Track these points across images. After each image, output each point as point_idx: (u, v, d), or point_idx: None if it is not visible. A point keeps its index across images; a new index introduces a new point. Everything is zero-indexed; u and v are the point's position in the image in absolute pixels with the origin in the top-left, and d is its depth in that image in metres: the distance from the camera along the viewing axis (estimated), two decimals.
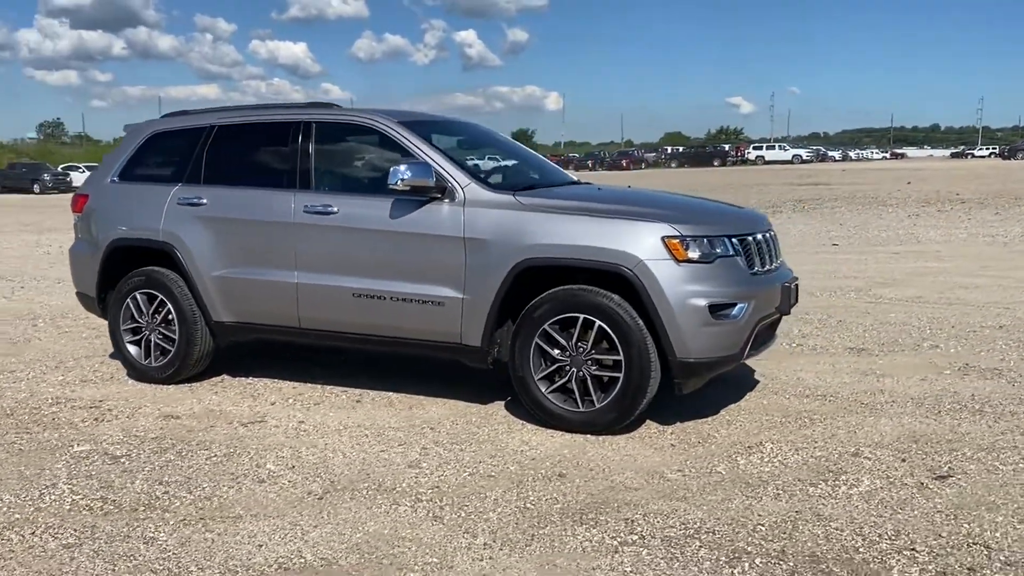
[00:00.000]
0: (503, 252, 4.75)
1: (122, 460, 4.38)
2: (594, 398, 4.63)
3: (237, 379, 5.96)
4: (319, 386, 5.73)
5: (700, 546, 3.32)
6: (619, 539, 3.39)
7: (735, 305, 4.56)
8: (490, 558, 3.25)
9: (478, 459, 4.33)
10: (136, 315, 5.90)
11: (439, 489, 3.93)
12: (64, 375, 6.17)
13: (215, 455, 4.44)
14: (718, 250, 4.58)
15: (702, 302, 4.46)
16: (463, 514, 3.65)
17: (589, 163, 72.82)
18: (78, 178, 42.50)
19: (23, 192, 39.05)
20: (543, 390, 4.74)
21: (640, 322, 4.50)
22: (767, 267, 4.92)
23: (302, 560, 3.25)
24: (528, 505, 3.74)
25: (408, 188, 4.88)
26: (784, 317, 5.23)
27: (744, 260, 4.69)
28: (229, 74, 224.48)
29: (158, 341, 5.85)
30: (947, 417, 4.89)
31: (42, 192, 38.92)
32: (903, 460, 4.22)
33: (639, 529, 3.48)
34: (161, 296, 5.79)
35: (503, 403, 5.24)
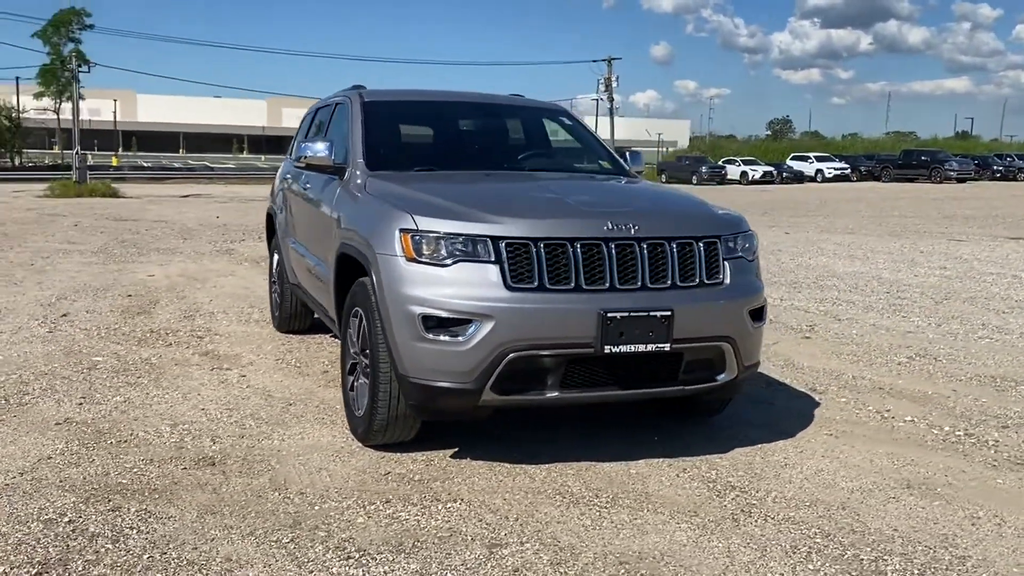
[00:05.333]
0: (337, 236, 4.52)
1: (88, 370, 5.44)
2: (362, 405, 4.15)
3: (330, 338, 6.54)
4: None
5: (76, 532, 3.06)
6: (46, 517, 3.29)
7: (466, 323, 3.59)
8: None
9: (228, 434, 4.32)
10: (272, 273, 6.95)
11: (112, 447, 4.12)
12: (256, 314, 7.49)
13: (121, 382, 5.18)
14: (476, 252, 3.65)
15: (416, 310, 3.65)
16: (53, 465, 3.87)
17: None
18: (733, 171, 45.17)
19: (682, 182, 42.32)
20: (347, 385, 4.39)
21: (380, 326, 3.88)
22: (582, 284, 3.65)
23: None
24: (101, 473, 3.79)
25: (304, 165, 4.94)
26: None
27: (505, 269, 3.61)
28: (984, 64, 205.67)
29: (275, 296, 6.80)
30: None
31: (698, 183, 41.78)
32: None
33: (87, 519, 3.29)
34: (278, 257, 6.71)
35: None
